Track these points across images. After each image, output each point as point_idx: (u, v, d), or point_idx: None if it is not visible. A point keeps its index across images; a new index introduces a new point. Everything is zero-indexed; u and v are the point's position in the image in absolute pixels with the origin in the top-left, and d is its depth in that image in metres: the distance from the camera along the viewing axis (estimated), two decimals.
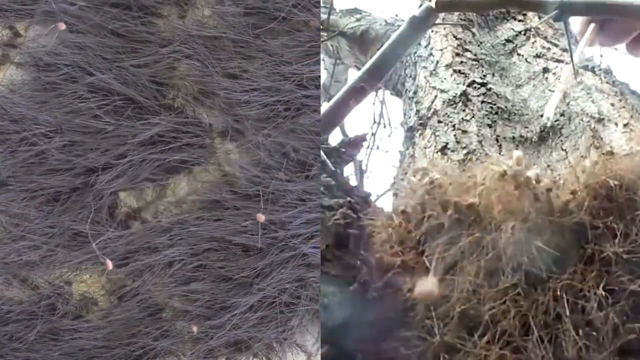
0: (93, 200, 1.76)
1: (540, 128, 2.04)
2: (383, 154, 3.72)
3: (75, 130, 1.78)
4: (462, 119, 2.14)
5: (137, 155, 1.78)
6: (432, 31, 2.56)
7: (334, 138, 1.74)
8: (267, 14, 1.89)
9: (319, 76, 1.90)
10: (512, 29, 2.58)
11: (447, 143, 2.06)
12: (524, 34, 2.52)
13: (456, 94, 2.25)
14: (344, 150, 1.44)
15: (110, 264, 1.71)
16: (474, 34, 2.59)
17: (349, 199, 1.16)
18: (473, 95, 2.23)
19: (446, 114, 2.18)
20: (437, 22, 2.26)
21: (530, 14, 2.60)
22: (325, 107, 1.64)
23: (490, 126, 2.10)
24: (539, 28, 2.48)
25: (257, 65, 1.85)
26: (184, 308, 1.73)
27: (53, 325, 1.70)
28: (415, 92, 2.42)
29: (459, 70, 2.37)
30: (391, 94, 3.06)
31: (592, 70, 2.22)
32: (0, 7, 1.88)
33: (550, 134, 2.01)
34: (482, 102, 2.20)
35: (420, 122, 2.23)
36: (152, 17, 1.89)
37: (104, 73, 1.81)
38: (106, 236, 1.74)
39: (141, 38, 1.85)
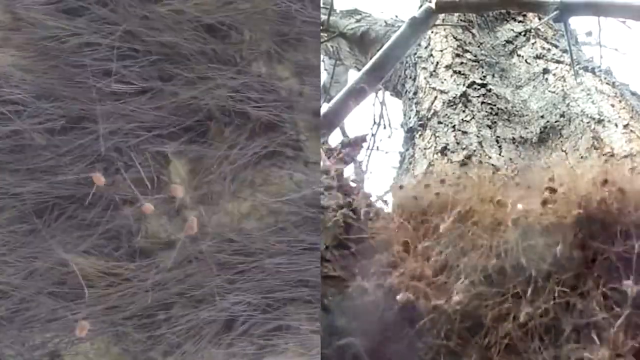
0: None
1: (540, 129, 2.05)
2: (383, 155, 3.76)
3: None
4: (462, 119, 2.14)
5: None
6: (432, 32, 2.56)
7: (334, 139, 1.73)
8: None
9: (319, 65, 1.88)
10: (512, 30, 2.59)
11: (447, 144, 2.06)
12: (524, 35, 2.53)
13: (456, 94, 2.25)
14: (344, 151, 1.42)
15: None
16: (474, 35, 2.59)
17: (349, 199, 1.13)
18: (473, 96, 2.23)
19: (446, 114, 2.18)
20: (437, 23, 2.27)
21: (530, 15, 2.61)
22: (325, 108, 1.63)
23: (490, 127, 2.10)
24: (539, 29, 2.49)
25: None
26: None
27: None
28: (415, 93, 2.42)
29: (459, 71, 2.37)
30: (391, 95, 3.07)
31: (593, 71, 2.23)
32: None
33: (550, 135, 2.02)
34: (482, 103, 2.20)
35: (420, 123, 2.23)
36: None
37: None
38: None
39: None
